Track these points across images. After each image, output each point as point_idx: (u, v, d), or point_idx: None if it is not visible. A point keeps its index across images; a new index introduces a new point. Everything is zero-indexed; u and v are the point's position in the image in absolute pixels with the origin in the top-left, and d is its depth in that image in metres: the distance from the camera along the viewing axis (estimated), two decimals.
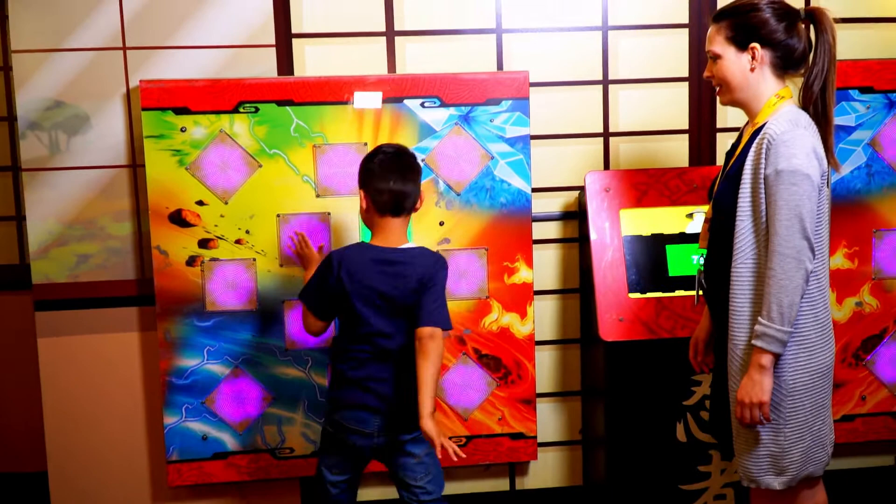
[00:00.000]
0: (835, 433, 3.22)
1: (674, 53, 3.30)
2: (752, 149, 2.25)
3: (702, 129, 3.33)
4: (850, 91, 3.25)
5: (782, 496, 2.34)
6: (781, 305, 2.14)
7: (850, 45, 3.33)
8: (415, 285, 2.46)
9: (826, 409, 2.31)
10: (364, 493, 3.24)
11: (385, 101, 3.07)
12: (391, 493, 3.02)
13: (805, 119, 2.25)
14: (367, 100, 3.07)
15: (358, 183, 2.56)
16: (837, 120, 3.22)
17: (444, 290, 2.52)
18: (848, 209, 3.28)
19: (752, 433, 2.27)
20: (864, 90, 3.25)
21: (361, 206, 2.54)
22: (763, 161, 2.20)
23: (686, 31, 3.28)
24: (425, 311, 2.45)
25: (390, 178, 2.47)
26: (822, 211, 2.23)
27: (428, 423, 2.37)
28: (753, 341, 2.18)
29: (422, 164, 3.05)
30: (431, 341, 2.43)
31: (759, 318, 2.17)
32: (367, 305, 2.47)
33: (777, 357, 2.18)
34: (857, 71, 3.24)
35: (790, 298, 2.14)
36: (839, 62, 3.15)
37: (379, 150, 2.55)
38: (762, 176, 2.19)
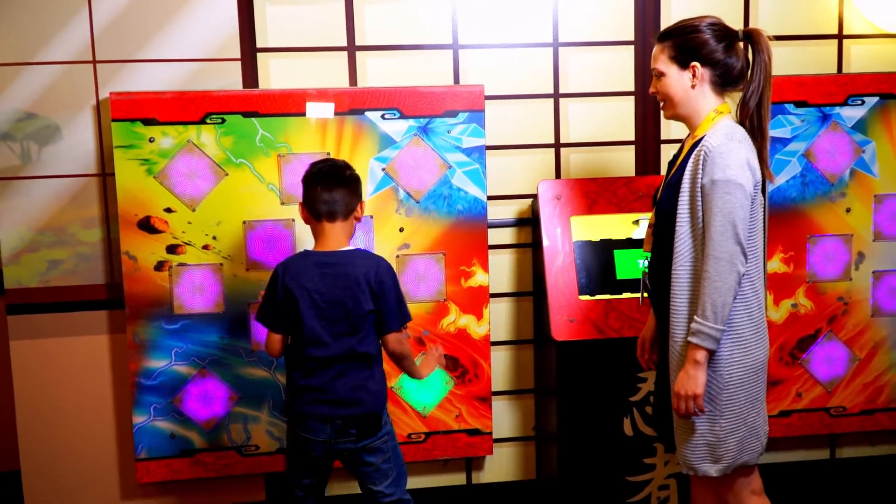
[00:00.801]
0: (773, 428, 3.45)
1: (621, 69, 3.46)
2: (691, 160, 2.39)
3: (647, 140, 3.50)
4: (786, 105, 3.43)
5: (720, 483, 2.48)
6: (715, 305, 2.29)
7: (786, 61, 3.52)
8: (357, 288, 2.56)
9: (760, 402, 2.45)
10: (341, 488, 3.36)
11: (346, 112, 3.21)
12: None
13: (740, 133, 2.40)
14: (320, 110, 3.20)
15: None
16: (774, 132, 3.42)
17: (398, 289, 2.65)
18: (784, 216, 3.46)
19: (690, 424, 2.41)
20: (799, 104, 3.44)
21: (302, 216, 2.69)
22: (700, 171, 2.34)
23: (632, 48, 3.45)
24: (387, 318, 2.61)
25: (318, 186, 2.61)
26: (756, 218, 2.38)
27: (428, 372, 2.83)
28: (689, 338, 2.32)
29: (382, 173, 3.23)
30: (400, 346, 2.66)
31: (695, 317, 2.31)
32: (311, 309, 2.57)
33: (711, 353, 2.33)
34: (792, 86, 3.43)
35: (723, 299, 2.29)
36: (775, 77, 3.35)
37: (312, 164, 2.69)
38: (699, 185, 2.35)
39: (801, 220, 3.47)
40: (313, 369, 2.61)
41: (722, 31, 2.46)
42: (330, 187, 2.61)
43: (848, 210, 3.50)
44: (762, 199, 2.44)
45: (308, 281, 2.59)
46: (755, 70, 2.44)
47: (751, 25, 3.48)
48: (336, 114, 3.20)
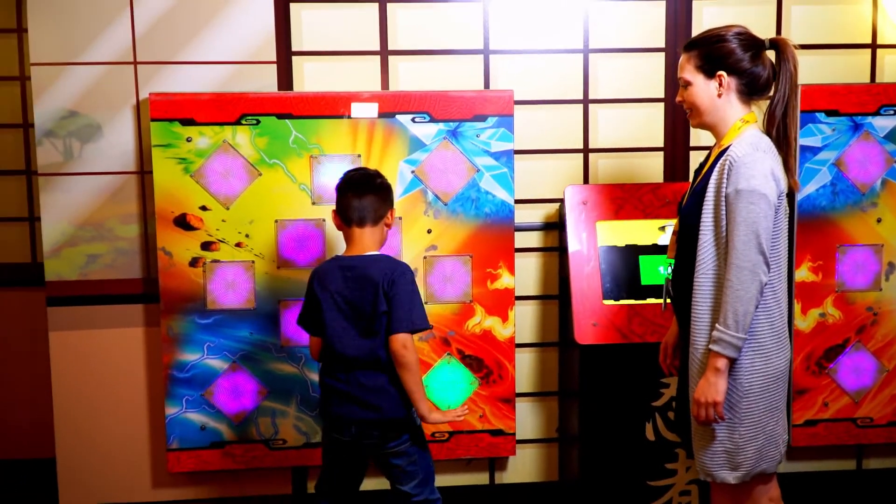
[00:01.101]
0: (798, 437, 3.45)
1: (650, 76, 3.49)
2: (716, 169, 2.41)
3: (676, 147, 3.52)
4: (817, 114, 3.43)
5: (738, 491, 2.49)
6: (737, 314, 2.31)
7: (818, 70, 3.53)
8: (375, 290, 2.62)
9: (780, 411, 2.46)
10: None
11: (378, 115, 3.28)
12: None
13: (766, 143, 2.42)
14: (364, 110, 3.28)
15: None
16: (804, 141, 3.42)
17: (413, 293, 2.66)
18: (813, 225, 3.46)
19: (709, 431, 2.43)
20: (830, 113, 3.44)
21: (335, 223, 2.77)
22: (725, 181, 2.36)
23: (663, 55, 3.47)
24: (394, 318, 2.62)
25: (349, 193, 2.69)
26: (780, 228, 2.40)
27: (431, 419, 2.67)
28: (710, 346, 2.34)
29: (412, 175, 3.29)
30: (404, 350, 2.61)
31: (717, 325, 2.33)
32: (333, 310, 2.66)
33: (732, 361, 2.35)
34: (824, 95, 3.42)
35: (745, 307, 2.31)
36: (807, 86, 3.39)
37: (346, 173, 2.79)
38: (724, 194, 2.37)
39: (830, 229, 3.47)
40: (337, 370, 2.70)
41: (748, 41, 2.48)
42: (360, 194, 2.69)
43: (879, 220, 3.49)
44: (787, 208, 2.45)
45: (331, 283, 2.67)
46: (781, 79, 2.46)
47: (783, 34, 3.49)
48: (368, 117, 3.27)
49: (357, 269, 2.66)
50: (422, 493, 2.78)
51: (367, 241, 2.71)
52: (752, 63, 2.46)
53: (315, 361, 2.89)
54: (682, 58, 2.54)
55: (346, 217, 2.71)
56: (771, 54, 2.50)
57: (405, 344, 2.62)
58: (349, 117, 3.27)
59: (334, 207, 2.76)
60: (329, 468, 2.83)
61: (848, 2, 3.53)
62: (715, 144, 2.55)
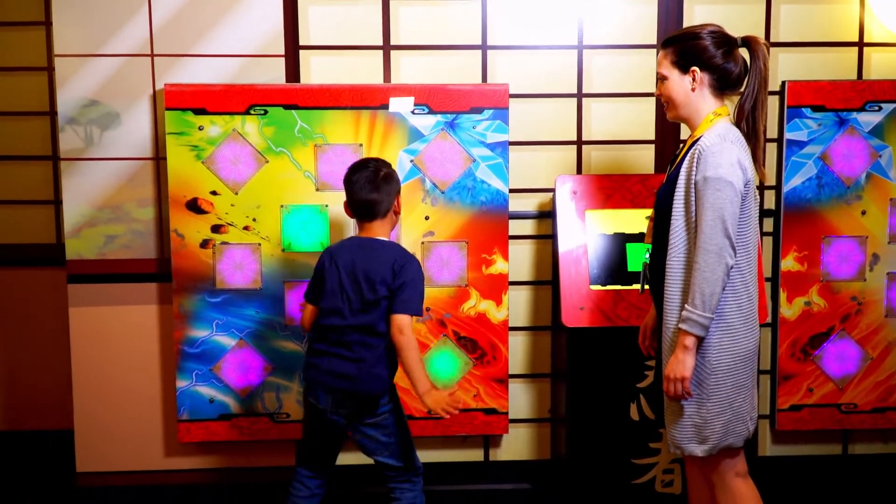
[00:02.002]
0: (784, 421, 3.59)
1: (642, 71, 3.62)
2: (687, 158, 2.56)
3: (666, 140, 3.65)
4: (803, 109, 3.55)
5: (707, 464, 2.64)
6: (704, 294, 2.44)
7: (806, 66, 3.64)
8: (387, 270, 2.76)
9: (748, 389, 2.59)
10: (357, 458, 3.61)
11: (379, 107, 3.45)
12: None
13: (734, 134, 2.55)
14: (401, 104, 3.46)
15: None
16: (790, 135, 3.55)
17: (419, 284, 2.80)
18: (799, 217, 3.58)
19: (678, 405, 2.57)
20: (816, 108, 3.56)
21: (346, 213, 2.93)
22: (695, 169, 2.50)
23: (654, 51, 3.60)
24: (399, 299, 2.76)
25: (357, 191, 2.84)
26: (748, 215, 2.53)
27: (426, 400, 2.76)
28: (679, 325, 2.48)
29: (410, 164, 3.45)
30: (401, 333, 2.74)
31: (686, 305, 2.47)
32: (337, 281, 2.80)
33: (700, 339, 2.49)
34: (810, 91, 3.55)
35: (711, 288, 2.44)
36: (793, 82, 3.51)
37: (353, 167, 2.90)
38: (693, 182, 2.51)
39: (816, 220, 3.59)
40: (326, 338, 2.84)
41: (721, 38, 2.61)
42: (366, 194, 2.84)
43: (863, 212, 3.60)
44: (757, 197, 2.59)
45: (342, 258, 2.83)
46: (751, 75, 2.58)
47: (772, 32, 3.61)
48: (369, 108, 3.44)
49: (369, 250, 2.82)
50: (399, 463, 2.89)
51: (378, 231, 2.87)
52: (724, 59, 2.59)
53: (305, 331, 3.03)
54: (660, 54, 2.68)
55: (356, 213, 2.88)
56: (744, 52, 2.63)
57: (402, 327, 2.75)
58: (386, 108, 3.45)
59: (345, 200, 2.91)
60: (308, 435, 2.96)
61: (836, 0, 3.64)
62: (690, 136, 2.69)
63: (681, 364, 2.49)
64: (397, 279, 2.77)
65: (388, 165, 2.91)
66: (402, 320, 2.76)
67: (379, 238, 2.86)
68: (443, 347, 3.56)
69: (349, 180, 2.87)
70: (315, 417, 2.90)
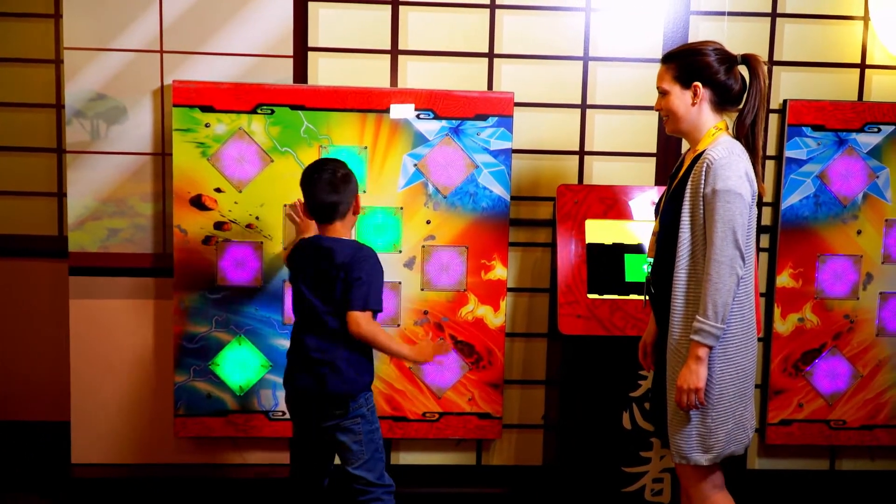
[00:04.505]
0: (774, 436, 3.65)
1: (646, 85, 3.65)
2: (694, 171, 2.60)
3: (668, 153, 3.69)
4: (804, 128, 3.60)
5: (687, 475, 2.68)
6: (716, 305, 2.48)
7: (807, 86, 3.69)
8: (337, 271, 2.78)
9: (748, 398, 2.64)
10: None
11: (385, 110, 3.48)
12: None
13: (739, 148, 2.59)
14: (402, 111, 3.49)
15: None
16: (790, 153, 3.60)
17: (372, 275, 2.80)
18: (795, 234, 3.63)
19: (684, 415, 2.60)
20: (816, 128, 3.61)
21: (304, 214, 2.98)
22: (703, 182, 2.54)
23: (659, 65, 3.63)
24: (351, 295, 2.77)
25: (314, 195, 2.85)
26: (751, 227, 2.57)
27: (419, 359, 2.93)
28: (692, 336, 2.51)
29: (414, 168, 3.48)
30: (359, 329, 2.76)
31: (697, 316, 2.50)
32: (301, 284, 2.85)
33: (711, 350, 2.53)
34: (811, 110, 3.59)
35: (724, 299, 2.48)
36: (794, 101, 3.56)
37: (309, 168, 2.90)
38: (702, 194, 2.54)
39: (812, 238, 3.64)
40: (296, 340, 2.90)
41: (723, 56, 2.65)
42: (324, 198, 2.84)
43: (859, 232, 3.65)
44: (756, 211, 2.64)
45: (300, 260, 2.89)
46: (752, 92, 2.63)
47: (776, 51, 3.66)
48: (376, 111, 3.47)
49: (325, 250, 2.83)
50: (367, 476, 2.86)
51: (338, 231, 2.88)
52: (725, 76, 2.64)
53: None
54: (661, 68, 2.72)
55: (315, 215, 2.89)
56: (743, 70, 2.67)
57: (359, 323, 2.76)
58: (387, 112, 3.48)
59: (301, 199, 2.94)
60: (295, 437, 3.01)
61: (840, 23, 3.69)
62: (689, 150, 2.73)
63: (694, 375, 2.53)
64: (350, 282, 2.78)
65: (346, 166, 2.90)
66: (356, 317, 2.76)
67: (335, 237, 2.86)
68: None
69: (308, 182, 2.87)
70: (293, 416, 2.94)
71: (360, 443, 2.87)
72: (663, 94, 2.70)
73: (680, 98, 2.67)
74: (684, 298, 2.59)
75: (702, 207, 2.54)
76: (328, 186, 2.83)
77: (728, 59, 2.65)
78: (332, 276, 2.80)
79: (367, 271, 2.80)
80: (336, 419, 2.84)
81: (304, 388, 2.85)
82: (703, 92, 2.64)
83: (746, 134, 2.64)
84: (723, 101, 2.66)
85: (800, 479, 3.86)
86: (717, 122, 2.66)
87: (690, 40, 3.61)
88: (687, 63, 2.66)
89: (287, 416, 3.54)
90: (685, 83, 2.66)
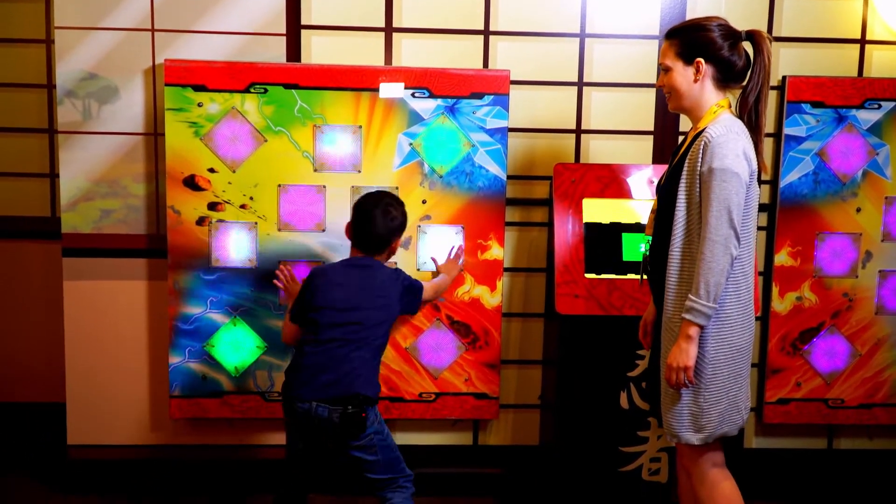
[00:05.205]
0: (771, 414, 3.64)
1: (644, 62, 3.62)
2: (692, 149, 2.57)
3: (665, 131, 3.66)
4: (803, 104, 3.56)
5: (687, 453, 2.68)
6: (708, 284, 2.46)
7: (807, 62, 3.64)
8: (381, 290, 2.97)
9: (743, 379, 2.63)
10: None
11: (379, 89, 3.45)
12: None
13: (739, 126, 2.57)
14: (391, 90, 3.45)
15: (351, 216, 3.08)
16: (789, 130, 3.56)
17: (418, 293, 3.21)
18: (794, 212, 3.60)
19: (676, 394, 2.60)
20: (816, 104, 3.57)
21: (347, 236, 3.06)
22: (700, 160, 2.52)
23: (656, 41, 3.61)
24: (412, 306, 3.26)
25: (372, 228, 2.98)
26: (751, 206, 2.56)
27: (453, 276, 3.48)
28: (683, 314, 2.50)
29: (409, 148, 3.48)
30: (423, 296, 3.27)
31: (689, 295, 2.49)
32: (332, 294, 2.92)
33: (702, 329, 2.52)
34: (810, 86, 3.56)
35: (716, 279, 2.46)
36: (794, 77, 3.52)
37: (370, 199, 3.04)
38: (698, 173, 2.53)
39: (811, 216, 3.61)
40: (325, 351, 2.91)
41: (727, 31, 2.62)
42: (382, 232, 2.98)
43: (858, 210, 3.62)
44: (758, 190, 2.61)
45: (335, 276, 2.96)
46: (756, 68, 2.61)
47: (774, 26, 3.62)
48: (370, 90, 3.44)
49: (365, 269, 2.97)
50: (387, 474, 2.95)
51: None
52: (729, 52, 2.61)
53: (287, 345, 3.17)
54: (664, 44, 2.70)
55: (363, 245, 2.99)
56: (747, 46, 2.64)
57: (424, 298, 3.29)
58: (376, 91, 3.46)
59: (350, 222, 3.03)
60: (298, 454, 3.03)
61: None
62: (692, 128, 2.70)
63: (683, 353, 2.52)
64: (404, 298, 3.10)
65: (403, 205, 3.08)
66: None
67: (372, 257, 3.01)
68: (436, 331, 3.57)
69: (367, 214, 2.98)
70: (309, 433, 2.93)
71: (376, 453, 2.93)
72: (666, 70, 2.68)
73: (682, 75, 2.64)
74: (678, 277, 2.58)
75: (698, 186, 2.52)
76: (391, 224, 2.99)
77: (732, 35, 2.63)
78: (368, 294, 2.94)
79: (414, 290, 3.22)
80: (353, 439, 2.87)
81: (329, 397, 2.85)
82: (706, 68, 2.61)
83: (749, 111, 2.62)
84: (726, 78, 2.64)
85: (798, 458, 3.85)
86: (719, 100, 2.64)
87: (689, 16, 3.56)
88: (690, 39, 2.63)
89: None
90: (688, 59, 2.63)
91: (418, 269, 3.54)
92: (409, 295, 3.16)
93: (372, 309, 2.92)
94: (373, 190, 3.35)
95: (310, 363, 2.90)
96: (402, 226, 3.04)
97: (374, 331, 2.92)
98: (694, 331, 2.50)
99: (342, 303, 2.90)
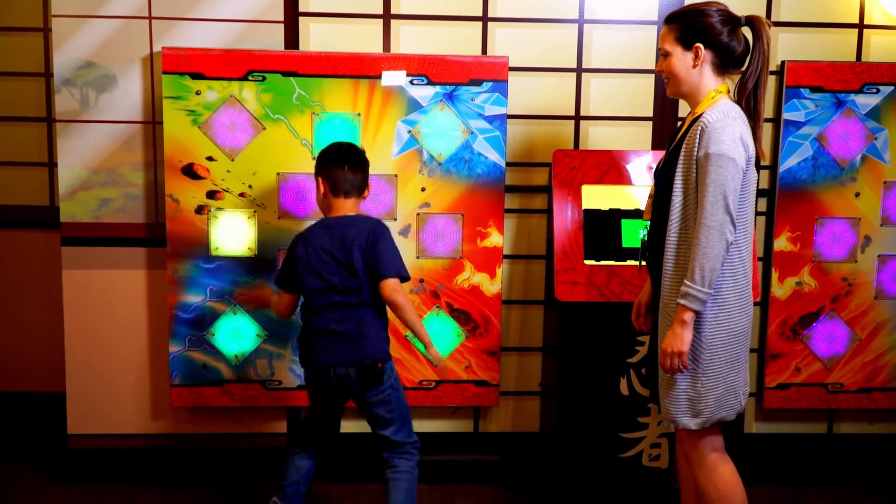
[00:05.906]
0: (771, 399, 3.63)
1: (642, 48, 3.61)
2: (689, 134, 2.57)
3: (664, 117, 3.65)
4: (802, 89, 3.56)
5: (687, 438, 2.69)
6: (703, 270, 2.46)
7: (805, 47, 3.63)
8: (354, 245, 2.87)
9: (741, 364, 2.63)
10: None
11: (378, 76, 3.44)
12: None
13: (736, 111, 2.56)
14: (393, 77, 3.44)
15: (315, 171, 3.00)
16: (788, 115, 3.56)
17: (394, 245, 2.92)
18: (793, 197, 3.60)
19: (673, 379, 2.60)
20: (815, 89, 3.57)
21: (319, 192, 2.98)
22: (697, 145, 2.51)
23: (655, 27, 3.60)
24: (381, 266, 2.87)
25: (345, 166, 2.93)
26: (748, 191, 2.55)
27: (431, 352, 2.97)
28: (678, 300, 2.50)
29: (408, 135, 3.47)
30: (395, 293, 2.87)
31: (685, 280, 2.49)
32: (319, 263, 2.89)
33: (698, 314, 2.52)
34: (809, 71, 3.55)
35: (711, 264, 2.46)
36: (792, 62, 3.51)
37: (332, 146, 3.02)
38: (695, 158, 2.52)
39: (810, 201, 3.61)
40: (321, 315, 2.92)
41: (726, 17, 2.61)
42: (354, 169, 2.96)
43: (857, 194, 3.62)
44: (755, 175, 2.61)
45: (315, 240, 2.92)
46: (755, 54, 2.60)
47: (773, 11, 3.61)
48: (368, 77, 3.43)
49: (341, 228, 2.91)
50: (398, 436, 3.00)
51: (350, 208, 2.97)
52: (728, 38, 2.60)
53: (281, 318, 3.18)
54: (664, 29, 2.69)
55: (338, 189, 2.95)
56: (746, 31, 2.63)
57: (395, 288, 2.88)
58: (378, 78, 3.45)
59: (320, 177, 2.97)
60: (315, 416, 3.08)
61: None
62: (690, 113, 2.70)
63: (678, 338, 2.52)
64: (375, 253, 2.87)
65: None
66: (392, 284, 2.87)
67: (343, 216, 2.96)
68: (436, 318, 3.57)
69: (335, 157, 2.96)
70: (322, 399, 3.01)
71: (394, 411, 2.98)
72: (665, 55, 2.67)
73: (681, 60, 2.64)
74: (675, 262, 2.58)
75: (695, 171, 2.52)
76: (358, 161, 2.96)
77: (731, 21, 2.62)
78: (349, 250, 2.87)
79: (388, 240, 2.91)
80: (372, 391, 2.92)
81: (340, 360, 2.89)
82: (705, 54, 2.60)
83: (748, 97, 2.61)
84: (725, 64, 2.63)
85: (798, 443, 3.86)
86: (717, 86, 2.63)
87: (688, 1, 3.55)
88: (689, 24, 2.62)
89: (283, 385, 3.56)
90: (687, 45, 2.62)
91: (417, 258, 3.53)
92: (373, 251, 2.88)
93: (358, 268, 2.88)
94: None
95: (315, 328, 2.93)
96: (366, 160, 3.01)
97: (366, 289, 2.90)
98: (689, 316, 2.50)
99: (326, 269, 2.89)
